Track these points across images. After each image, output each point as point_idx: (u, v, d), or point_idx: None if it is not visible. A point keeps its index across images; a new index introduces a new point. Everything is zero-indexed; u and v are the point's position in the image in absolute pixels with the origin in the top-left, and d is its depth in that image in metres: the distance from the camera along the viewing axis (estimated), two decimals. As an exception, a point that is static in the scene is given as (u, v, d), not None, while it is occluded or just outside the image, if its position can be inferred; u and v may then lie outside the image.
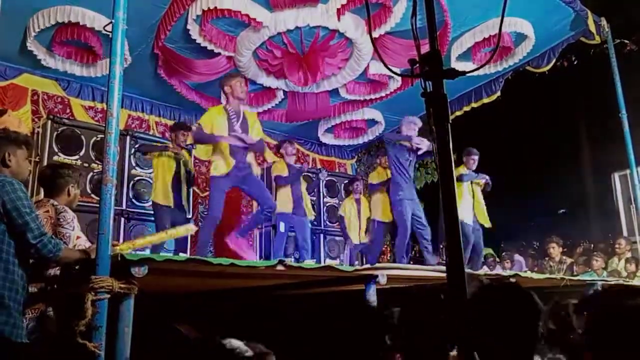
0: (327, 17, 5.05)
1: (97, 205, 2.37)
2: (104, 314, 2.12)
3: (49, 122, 5.30)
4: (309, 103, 6.77)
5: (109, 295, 2.13)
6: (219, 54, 5.48)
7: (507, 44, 5.72)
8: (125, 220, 5.57)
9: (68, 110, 6.13)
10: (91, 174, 5.38)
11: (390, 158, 5.34)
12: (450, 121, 1.36)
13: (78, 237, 2.83)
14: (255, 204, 5.83)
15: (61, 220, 2.78)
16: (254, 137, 4.37)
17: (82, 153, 5.44)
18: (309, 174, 7.47)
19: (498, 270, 6.45)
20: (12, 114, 4.95)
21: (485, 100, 6.92)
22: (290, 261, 3.01)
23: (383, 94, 6.66)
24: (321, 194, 7.60)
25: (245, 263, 2.73)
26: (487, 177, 5.75)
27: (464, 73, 1.45)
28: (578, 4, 5.51)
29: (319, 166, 8.22)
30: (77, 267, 2.40)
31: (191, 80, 6.08)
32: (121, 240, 5.11)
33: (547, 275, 4.82)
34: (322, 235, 7.41)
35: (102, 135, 2.48)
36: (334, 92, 6.62)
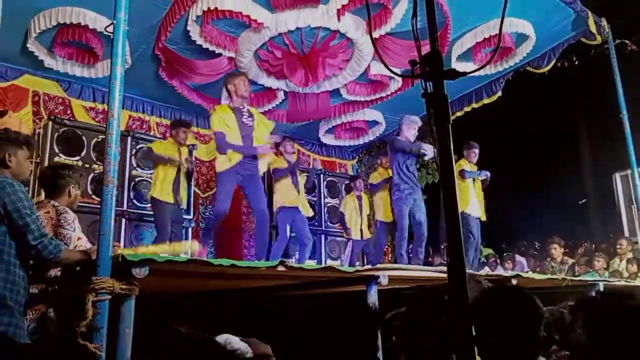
0: (327, 17, 5.05)
1: (98, 206, 2.36)
2: (104, 315, 2.11)
3: (50, 123, 5.31)
4: (309, 104, 6.77)
5: (109, 296, 2.13)
6: (220, 54, 5.49)
7: (507, 45, 5.72)
8: (126, 221, 5.58)
9: (69, 111, 6.14)
10: (92, 174, 5.38)
11: (392, 160, 5.34)
12: (451, 122, 1.36)
13: (79, 238, 2.84)
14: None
15: (62, 221, 2.78)
16: (263, 134, 4.44)
17: (83, 154, 5.44)
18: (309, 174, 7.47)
19: (499, 271, 6.45)
20: (12, 115, 4.96)
21: (486, 101, 6.92)
22: (291, 262, 3.01)
23: (384, 95, 6.66)
24: (322, 195, 7.60)
25: (246, 264, 2.73)
26: (488, 174, 5.79)
27: (464, 74, 1.45)
28: (578, 4, 5.51)
29: (319, 167, 8.22)
30: (77, 268, 2.40)
31: (192, 81, 6.08)
32: (122, 241, 5.13)
33: (549, 276, 4.81)
34: (323, 236, 7.41)
35: (103, 136, 2.48)
36: (335, 93, 6.62)
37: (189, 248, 3.71)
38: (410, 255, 5.31)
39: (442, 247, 5.65)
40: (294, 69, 5.79)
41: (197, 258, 3.22)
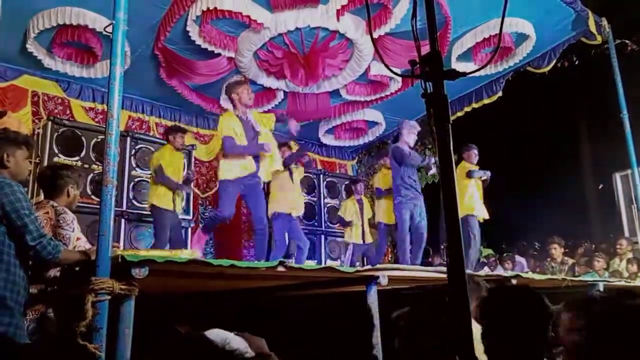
0: (327, 18, 5.05)
1: (98, 206, 2.36)
2: (104, 316, 2.11)
3: (49, 123, 5.31)
4: (309, 104, 6.77)
5: (109, 297, 2.12)
6: (220, 54, 5.48)
7: (507, 45, 5.72)
8: (125, 221, 5.58)
9: (68, 112, 6.14)
10: (91, 175, 5.38)
11: (394, 167, 5.32)
12: (451, 122, 1.35)
13: (78, 239, 2.83)
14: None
15: (61, 221, 2.78)
16: (268, 137, 4.47)
17: (82, 154, 5.45)
18: (309, 174, 7.47)
19: (499, 271, 6.44)
20: (12, 115, 4.96)
21: (486, 101, 6.93)
22: (290, 262, 3.00)
23: (383, 95, 6.66)
24: (322, 195, 7.59)
25: (245, 264, 2.72)
26: (489, 173, 5.83)
27: (464, 74, 1.45)
28: (579, 4, 5.51)
29: (319, 167, 8.22)
30: (77, 269, 2.40)
31: (192, 81, 6.08)
32: (121, 241, 5.14)
33: (549, 276, 4.80)
34: (322, 237, 7.41)
35: (103, 137, 2.47)
36: (335, 93, 6.62)
37: (190, 255, 3.72)
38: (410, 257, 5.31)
39: (442, 247, 5.65)
40: (293, 69, 5.79)
41: (196, 258, 3.22)
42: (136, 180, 5.82)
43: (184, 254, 3.43)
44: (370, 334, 2.78)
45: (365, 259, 6.99)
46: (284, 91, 6.50)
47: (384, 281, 2.96)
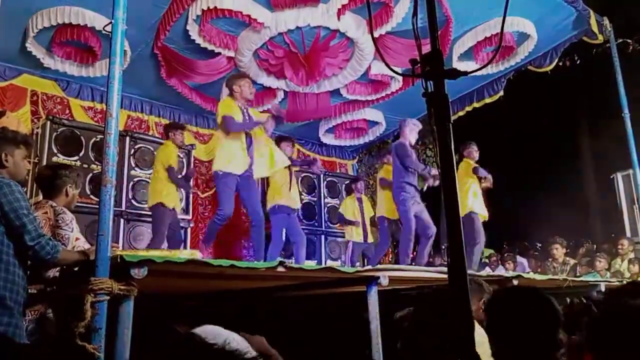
0: (327, 17, 5.04)
1: (97, 206, 2.35)
2: (103, 316, 2.10)
3: (48, 122, 5.30)
4: (309, 103, 6.76)
5: (108, 297, 2.11)
6: (220, 54, 5.47)
7: (509, 44, 5.70)
8: (124, 221, 5.56)
9: (67, 111, 6.13)
10: (90, 174, 5.37)
11: (396, 167, 5.28)
12: (452, 121, 1.34)
13: (77, 239, 2.82)
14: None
15: (60, 221, 2.77)
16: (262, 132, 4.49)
17: (81, 154, 5.44)
18: (310, 174, 7.46)
19: (501, 271, 6.42)
20: (11, 115, 4.95)
21: (488, 100, 6.91)
22: (290, 262, 2.99)
23: (384, 94, 6.64)
24: (322, 195, 7.58)
25: (245, 264, 2.71)
26: (491, 178, 5.77)
27: (465, 73, 1.43)
28: (580, 3, 5.49)
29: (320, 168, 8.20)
30: (76, 269, 2.39)
31: (192, 80, 6.07)
32: (120, 241, 5.14)
33: (550, 276, 4.79)
34: (323, 236, 7.39)
35: (102, 136, 2.47)
36: (335, 92, 6.61)
37: (190, 255, 3.70)
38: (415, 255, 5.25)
39: (443, 247, 5.62)
40: (294, 68, 5.78)
41: (196, 259, 3.20)
42: (135, 180, 5.80)
43: (183, 254, 3.42)
44: (371, 334, 2.77)
45: (364, 258, 6.98)
46: (284, 90, 6.48)
47: (384, 282, 2.95)
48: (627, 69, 6.01)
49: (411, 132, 5.27)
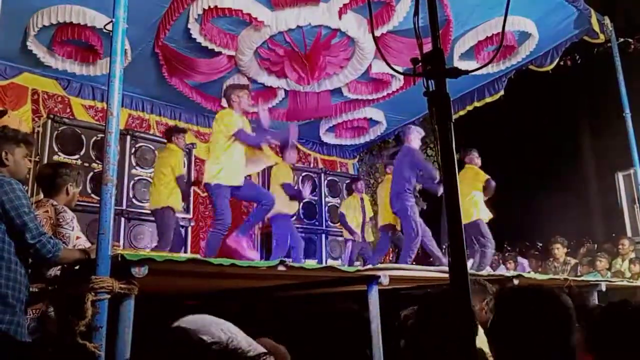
0: (328, 16, 5.03)
1: (97, 205, 2.35)
2: (104, 315, 2.10)
3: (49, 121, 5.30)
4: (310, 102, 6.75)
5: (109, 296, 2.11)
6: (220, 53, 5.47)
7: (510, 43, 5.69)
8: (125, 220, 5.57)
9: (68, 110, 6.13)
10: (91, 173, 5.38)
11: (406, 169, 5.22)
12: (453, 120, 1.34)
13: (78, 237, 2.82)
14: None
15: (61, 220, 2.77)
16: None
17: (82, 152, 5.44)
18: (310, 174, 7.46)
19: (502, 271, 6.42)
20: (12, 114, 4.95)
21: (488, 100, 6.90)
22: (291, 262, 2.99)
23: (385, 93, 6.64)
24: (322, 194, 7.58)
25: (246, 263, 2.71)
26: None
27: (466, 72, 1.43)
28: (581, 2, 5.48)
29: (320, 166, 8.21)
30: (77, 267, 2.39)
31: (192, 79, 6.07)
32: (121, 240, 5.15)
33: (550, 276, 4.79)
34: (323, 236, 7.40)
35: (103, 135, 2.46)
36: (336, 91, 6.60)
37: (191, 256, 3.71)
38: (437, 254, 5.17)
39: (444, 247, 5.59)
40: (295, 67, 5.77)
41: (196, 257, 3.20)
42: (136, 178, 5.80)
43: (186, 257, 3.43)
44: (371, 334, 2.76)
45: (364, 260, 6.95)
46: (284, 90, 6.48)
47: (385, 281, 2.95)
48: (628, 69, 6.00)
49: (415, 138, 5.24)
